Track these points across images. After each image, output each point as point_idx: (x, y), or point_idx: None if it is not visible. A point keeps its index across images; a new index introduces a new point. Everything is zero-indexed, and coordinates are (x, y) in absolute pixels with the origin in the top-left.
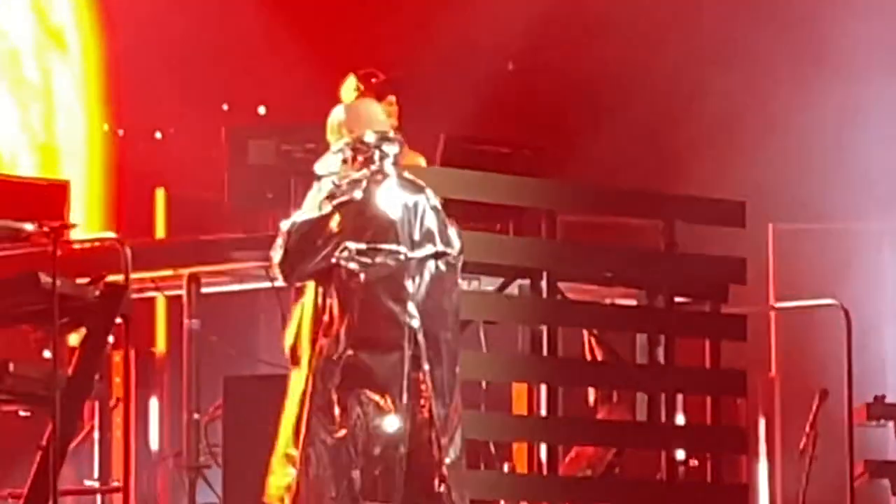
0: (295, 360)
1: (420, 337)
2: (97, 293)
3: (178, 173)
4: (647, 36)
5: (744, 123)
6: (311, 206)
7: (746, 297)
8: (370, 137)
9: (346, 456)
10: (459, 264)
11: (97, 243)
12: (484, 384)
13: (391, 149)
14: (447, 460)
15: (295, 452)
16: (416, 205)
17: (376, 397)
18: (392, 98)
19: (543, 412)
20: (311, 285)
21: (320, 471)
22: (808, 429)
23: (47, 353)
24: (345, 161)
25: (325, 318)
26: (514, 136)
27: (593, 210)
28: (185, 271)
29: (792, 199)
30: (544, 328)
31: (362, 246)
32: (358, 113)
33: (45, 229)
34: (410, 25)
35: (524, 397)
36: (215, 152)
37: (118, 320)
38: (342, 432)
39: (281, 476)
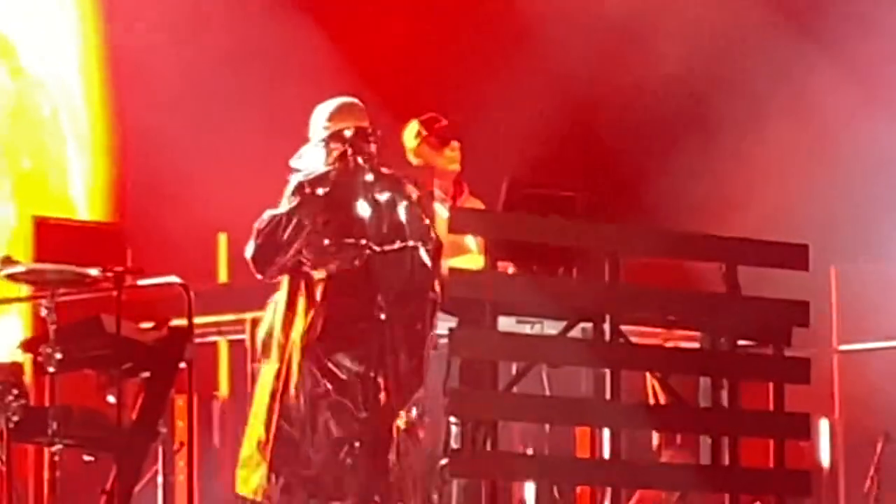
0: (266, 353)
1: (388, 331)
2: (161, 337)
3: (240, 218)
4: (706, 80)
5: (804, 163)
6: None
7: (809, 339)
8: (348, 133)
9: (305, 452)
10: (438, 256)
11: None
12: (547, 427)
13: (364, 144)
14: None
15: (262, 447)
16: (389, 199)
17: (341, 397)
18: (455, 143)
19: (607, 455)
20: (284, 280)
21: (287, 466)
22: (871, 472)
23: (111, 398)
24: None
25: (295, 312)
26: (575, 179)
27: (656, 253)
28: (248, 315)
29: (854, 239)
30: (607, 371)
31: (326, 241)
32: (338, 109)
33: (109, 274)
34: (472, 71)
35: (588, 441)
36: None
37: (182, 365)
38: (307, 427)
39: (252, 471)
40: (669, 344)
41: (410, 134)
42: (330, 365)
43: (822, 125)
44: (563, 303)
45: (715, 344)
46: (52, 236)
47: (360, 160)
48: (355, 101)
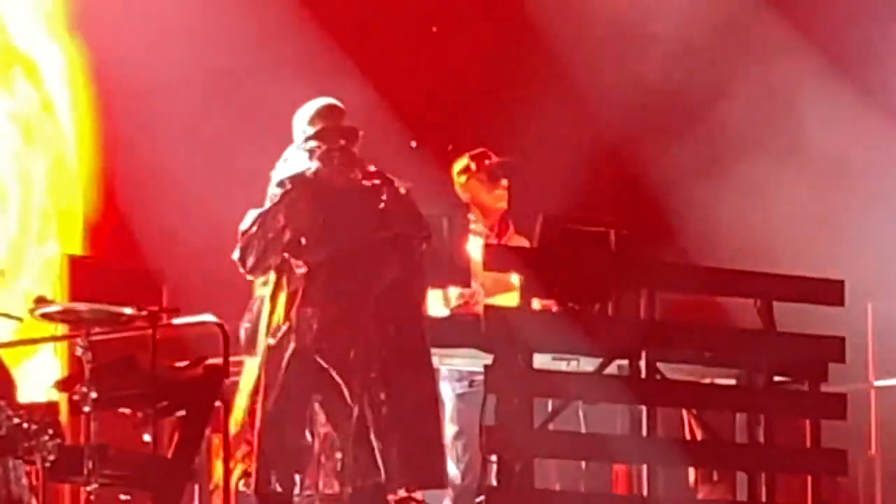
0: (250, 350)
1: (370, 330)
2: (196, 376)
3: None
4: (741, 117)
5: (839, 201)
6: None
7: (846, 375)
8: (326, 133)
9: (290, 445)
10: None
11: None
12: (584, 464)
13: (345, 142)
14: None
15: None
16: (372, 195)
17: (317, 392)
18: (505, 182)
19: (644, 492)
20: (271, 276)
21: (271, 457)
22: None
23: (147, 437)
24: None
25: (277, 309)
26: (611, 215)
27: (691, 289)
28: None
29: (890, 274)
30: (643, 408)
31: (304, 239)
32: (318, 110)
33: (144, 312)
34: (509, 107)
35: (625, 478)
36: None
37: (217, 403)
38: (290, 420)
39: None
40: (705, 380)
41: (459, 168)
42: (308, 358)
43: (860, 163)
44: (599, 339)
45: (751, 380)
46: (88, 275)
47: (340, 158)
48: (335, 102)
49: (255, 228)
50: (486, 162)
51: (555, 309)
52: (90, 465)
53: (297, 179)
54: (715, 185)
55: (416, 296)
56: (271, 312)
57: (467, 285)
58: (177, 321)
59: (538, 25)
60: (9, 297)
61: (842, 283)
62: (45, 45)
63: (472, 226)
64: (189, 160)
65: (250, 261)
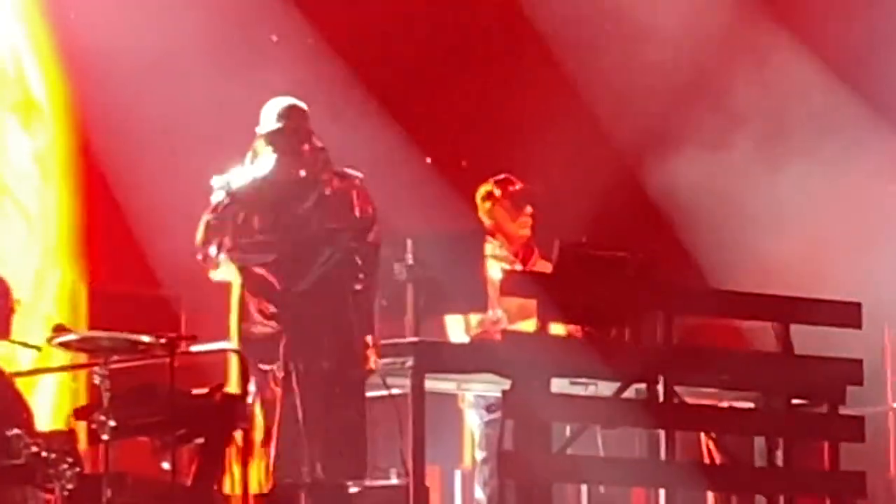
0: None
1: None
2: (215, 403)
3: None
4: (753, 143)
5: (856, 220)
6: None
7: (864, 397)
8: (279, 133)
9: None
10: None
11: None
12: (602, 489)
13: (296, 143)
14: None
15: None
16: (318, 195)
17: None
18: (529, 209)
19: None
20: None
21: None
22: None
23: (166, 465)
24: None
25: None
26: (628, 240)
27: (708, 313)
28: None
29: None
30: (662, 432)
31: (245, 239)
32: (274, 110)
33: (162, 340)
34: (526, 132)
35: (643, 501)
36: None
37: (236, 431)
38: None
39: None
40: (724, 404)
41: (483, 194)
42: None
43: (877, 187)
44: (617, 364)
45: (769, 403)
46: (106, 303)
47: (272, 160)
48: (294, 102)
49: (204, 228)
50: (511, 188)
51: (573, 334)
52: (109, 493)
53: (238, 185)
54: (732, 208)
55: (346, 288)
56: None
57: (484, 311)
58: (195, 349)
59: (556, 52)
60: (27, 326)
61: (859, 305)
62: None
63: (496, 251)
64: (204, 188)
65: (201, 254)
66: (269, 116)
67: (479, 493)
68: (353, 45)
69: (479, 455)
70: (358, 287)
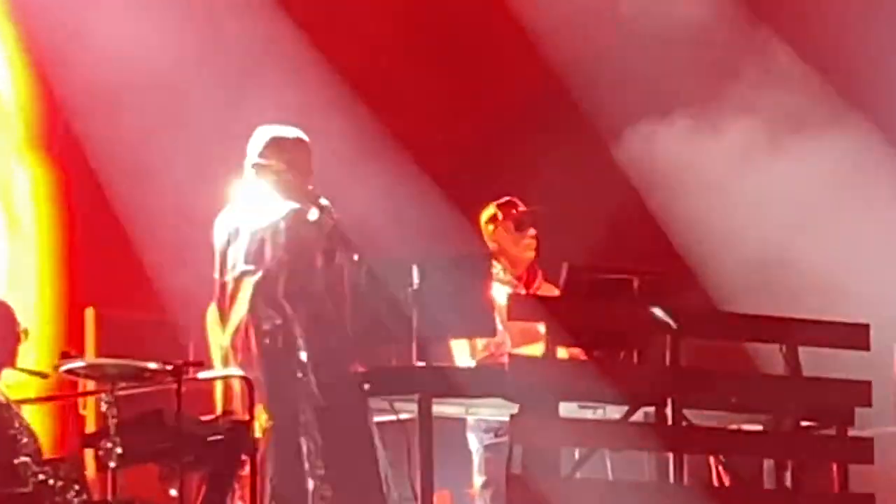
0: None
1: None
2: (223, 430)
3: None
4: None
5: (861, 240)
6: None
7: (873, 419)
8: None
9: None
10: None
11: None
12: None
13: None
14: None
15: None
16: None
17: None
18: (532, 231)
19: None
20: None
21: None
22: None
23: (173, 492)
24: None
25: None
26: (635, 262)
27: (716, 335)
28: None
29: None
30: (670, 455)
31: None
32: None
33: (169, 367)
34: (532, 154)
35: None
36: None
37: (244, 457)
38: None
39: None
40: (732, 426)
41: (486, 217)
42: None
43: (883, 204)
44: (625, 387)
45: (778, 425)
46: (112, 329)
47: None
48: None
49: None
50: (514, 211)
51: (576, 356)
52: None
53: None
54: (738, 229)
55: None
56: None
57: (492, 335)
58: (202, 375)
59: (563, 72)
60: (34, 353)
61: (867, 326)
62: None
63: (500, 275)
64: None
65: None
66: (277, 149)
67: None
68: (360, 68)
69: (479, 480)
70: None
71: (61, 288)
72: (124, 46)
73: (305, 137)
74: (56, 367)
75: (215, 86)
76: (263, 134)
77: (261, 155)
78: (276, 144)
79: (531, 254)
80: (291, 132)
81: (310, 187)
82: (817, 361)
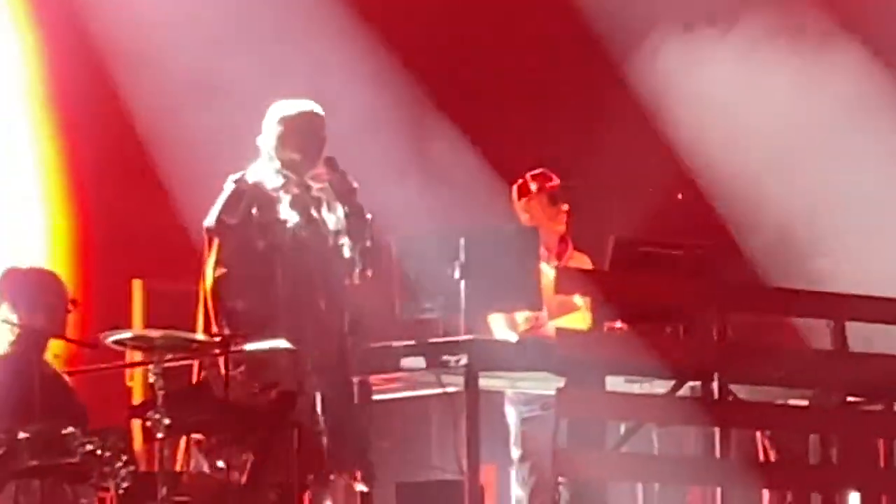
0: None
1: None
2: (270, 401)
3: None
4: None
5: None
6: None
7: None
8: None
9: None
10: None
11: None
12: (657, 487)
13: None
14: None
15: None
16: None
17: None
18: (565, 206)
19: None
20: None
21: None
22: None
23: (221, 463)
24: None
25: None
26: (683, 236)
27: (764, 310)
28: (356, 379)
29: None
30: (716, 430)
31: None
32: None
33: (216, 339)
34: (578, 130)
35: (698, 500)
36: None
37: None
38: None
39: None
40: (778, 401)
41: (520, 189)
42: None
43: None
44: (672, 361)
45: (824, 400)
46: (159, 301)
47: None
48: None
49: None
50: (548, 185)
51: (625, 330)
52: (164, 491)
53: None
54: (787, 203)
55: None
56: None
57: (539, 308)
58: (249, 347)
59: (614, 51)
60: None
61: None
62: None
63: None
64: None
65: None
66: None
67: (519, 492)
68: (405, 37)
69: (516, 453)
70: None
71: (109, 259)
72: (159, 11)
73: (317, 110)
74: (104, 338)
75: (253, 52)
76: (273, 113)
77: (269, 136)
78: (282, 124)
79: (562, 228)
80: (298, 107)
81: (318, 169)
82: (864, 336)
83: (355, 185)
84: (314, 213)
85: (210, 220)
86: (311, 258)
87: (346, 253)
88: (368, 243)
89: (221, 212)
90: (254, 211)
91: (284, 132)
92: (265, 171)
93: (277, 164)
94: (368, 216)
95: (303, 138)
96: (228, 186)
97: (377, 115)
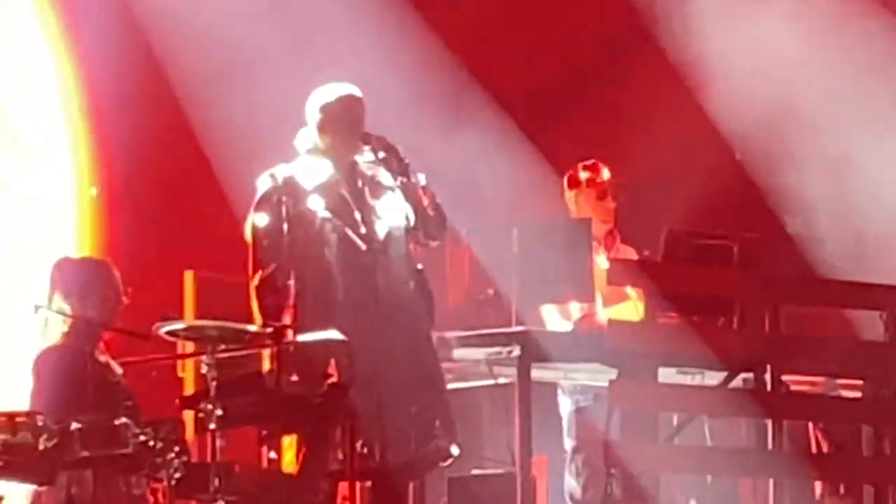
0: None
1: None
2: (321, 393)
3: None
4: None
5: None
6: None
7: None
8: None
9: None
10: None
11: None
12: (709, 479)
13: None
14: None
15: None
16: None
17: None
18: (612, 204)
19: None
20: None
21: None
22: None
23: (273, 454)
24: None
25: None
26: (736, 228)
27: (817, 301)
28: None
29: None
30: (769, 421)
31: None
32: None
33: (268, 330)
34: (632, 117)
35: (750, 491)
36: None
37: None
38: None
39: None
40: (831, 393)
41: (570, 180)
42: None
43: None
44: (724, 353)
45: (877, 392)
46: (211, 292)
47: None
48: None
49: None
50: (598, 179)
51: (677, 321)
52: (216, 482)
53: None
54: (841, 196)
55: None
56: None
57: (592, 300)
58: (301, 338)
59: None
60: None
61: None
62: None
63: None
64: None
65: None
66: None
67: (572, 483)
68: (448, 21)
69: (569, 444)
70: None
71: (161, 250)
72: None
73: (356, 94)
74: (156, 329)
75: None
76: (313, 100)
77: (310, 122)
78: (322, 111)
79: (609, 224)
80: (338, 92)
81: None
82: None
83: (399, 149)
84: (361, 197)
85: (247, 224)
86: (360, 252)
87: (407, 221)
88: (430, 211)
89: (254, 213)
90: (286, 205)
91: (325, 118)
92: (302, 162)
93: (319, 152)
94: (422, 179)
95: (343, 122)
96: (262, 183)
97: (418, 100)
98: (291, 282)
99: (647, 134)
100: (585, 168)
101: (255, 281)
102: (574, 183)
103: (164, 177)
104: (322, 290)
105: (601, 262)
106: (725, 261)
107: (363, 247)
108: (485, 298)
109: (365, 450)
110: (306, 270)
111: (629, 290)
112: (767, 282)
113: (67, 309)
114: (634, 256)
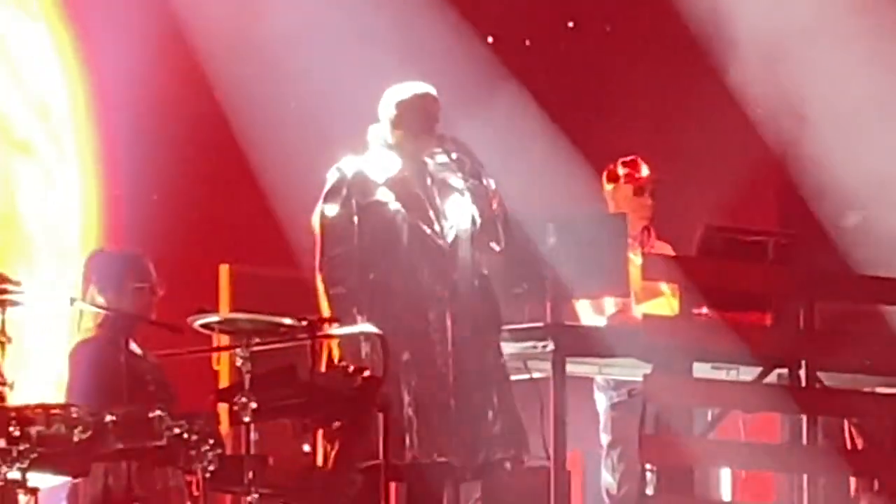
0: None
1: None
2: (355, 386)
3: None
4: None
5: None
6: None
7: None
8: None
9: None
10: None
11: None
12: (744, 474)
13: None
14: None
15: None
16: None
17: None
18: (650, 201)
19: (805, 502)
20: None
21: None
22: None
23: (307, 447)
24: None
25: None
26: (773, 224)
27: (851, 298)
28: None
29: None
30: (803, 417)
31: None
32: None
33: (303, 323)
34: (669, 112)
35: (785, 487)
36: None
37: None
38: None
39: None
40: (866, 389)
41: (608, 175)
42: None
43: None
44: (759, 348)
45: None
46: (247, 286)
47: None
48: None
49: None
50: (636, 175)
51: (712, 317)
52: (250, 475)
53: None
54: (875, 190)
55: None
56: None
57: (626, 294)
58: (336, 331)
59: (703, 34)
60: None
61: None
62: None
63: None
64: None
65: None
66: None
67: (608, 478)
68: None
69: (605, 439)
70: None
71: (197, 243)
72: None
73: (430, 91)
74: (191, 322)
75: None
76: (388, 97)
77: (384, 119)
78: (397, 107)
79: (645, 220)
80: (412, 89)
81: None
82: None
83: (473, 151)
84: (432, 196)
85: (314, 214)
86: (436, 246)
87: (473, 224)
88: (498, 214)
89: (323, 204)
90: (356, 198)
91: (399, 115)
92: (371, 155)
93: (391, 148)
94: (491, 183)
95: (418, 120)
96: (331, 176)
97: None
98: (370, 275)
99: (684, 132)
100: (624, 164)
101: (322, 272)
102: (612, 178)
103: (202, 171)
104: (399, 280)
105: (635, 258)
106: (760, 257)
107: (439, 241)
108: (519, 293)
109: (408, 442)
110: (381, 263)
111: (663, 286)
112: (802, 278)
113: (102, 301)
114: (671, 253)
